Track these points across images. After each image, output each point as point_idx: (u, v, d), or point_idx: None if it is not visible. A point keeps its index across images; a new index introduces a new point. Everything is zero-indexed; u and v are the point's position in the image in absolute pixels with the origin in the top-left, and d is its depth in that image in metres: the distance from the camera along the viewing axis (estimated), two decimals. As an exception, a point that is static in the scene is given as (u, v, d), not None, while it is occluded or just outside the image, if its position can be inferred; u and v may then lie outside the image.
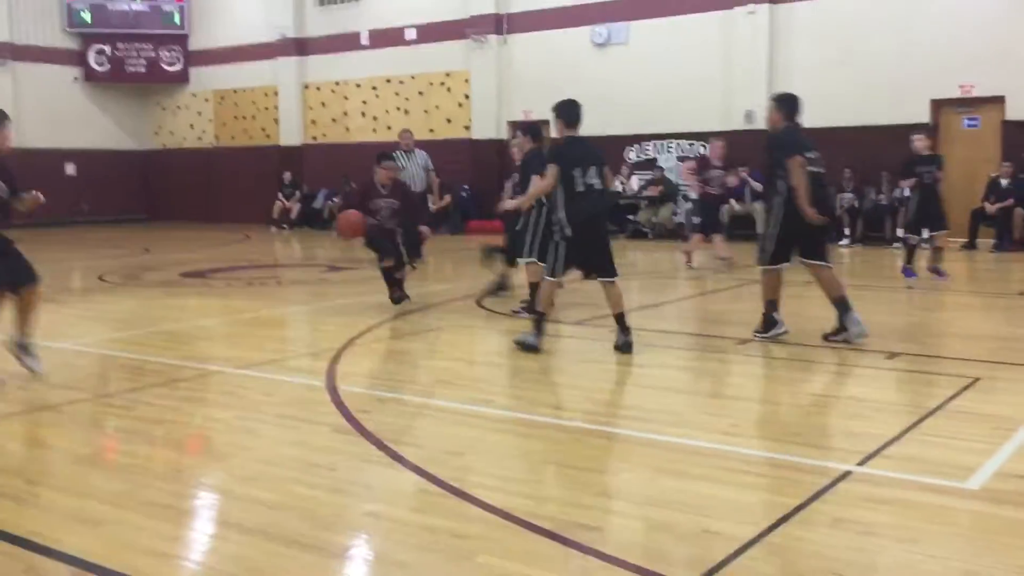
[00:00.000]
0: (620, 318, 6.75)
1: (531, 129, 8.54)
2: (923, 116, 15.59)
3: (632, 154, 18.33)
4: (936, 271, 10.57)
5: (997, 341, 7.16)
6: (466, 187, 19.70)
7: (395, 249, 9.09)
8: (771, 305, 7.12)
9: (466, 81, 20.29)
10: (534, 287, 8.51)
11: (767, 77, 16.87)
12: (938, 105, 15.70)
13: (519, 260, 8.39)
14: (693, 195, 13.05)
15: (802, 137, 7.02)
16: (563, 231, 6.60)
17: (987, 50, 14.82)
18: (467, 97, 20.34)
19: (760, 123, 16.69)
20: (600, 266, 6.74)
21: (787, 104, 7.06)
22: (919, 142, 10.81)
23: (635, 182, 17.94)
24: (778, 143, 6.94)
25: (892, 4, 15.83)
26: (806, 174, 6.79)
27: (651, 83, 17.78)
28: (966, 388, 5.66)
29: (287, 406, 5.51)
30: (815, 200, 6.79)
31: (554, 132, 7.03)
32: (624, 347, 6.70)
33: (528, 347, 6.67)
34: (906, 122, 15.44)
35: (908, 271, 10.74)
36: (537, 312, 6.86)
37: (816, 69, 16.43)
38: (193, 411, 5.45)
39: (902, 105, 15.60)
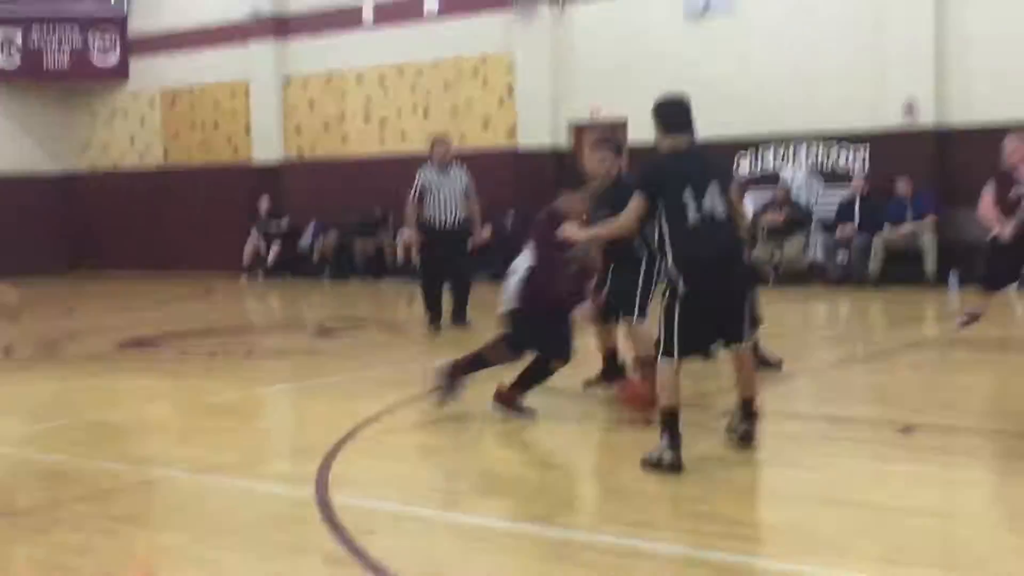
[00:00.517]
0: (749, 402, 6.76)
1: (613, 141, 8.68)
2: None
3: (744, 165, 18.35)
4: None
5: None
6: (511, 215, 19.83)
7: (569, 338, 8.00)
8: None
9: (509, 68, 20.56)
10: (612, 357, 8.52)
11: (934, 54, 16.83)
12: None
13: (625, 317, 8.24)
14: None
15: None
16: (676, 286, 6.48)
17: None
18: (511, 91, 20.59)
19: (927, 117, 16.72)
20: (732, 330, 6.69)
21: None
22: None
23: (749, 203, 17.90)
24: None
25: None
26: None
27: (769, 68, 17.84)
28: None
29: (262, 527, 5.54)
30: None
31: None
32: (745, 437, 6.72)
33: (663, 465, 6.29)
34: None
35: None
36: (662, 414, 6.48)
37: (1005, 41, 16.35)
38: (132, 534, 5.49)
39: None
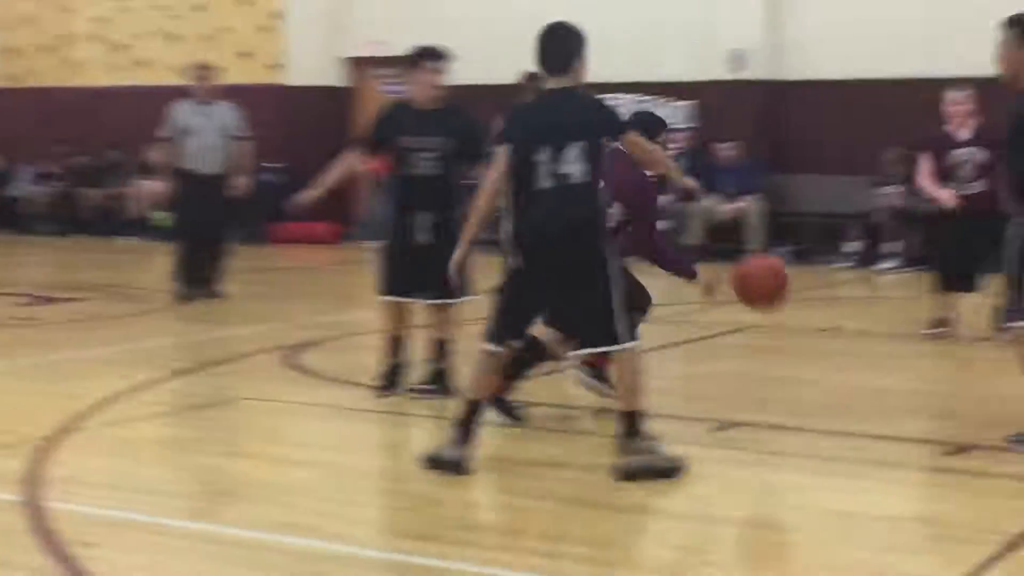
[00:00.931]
0: (630, 420, 6.30)
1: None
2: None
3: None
4: None
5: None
6: (275, 167, 19.60)
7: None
8: None
9: (276, -11, 20.32)
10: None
11: (764, 3, 17.42)
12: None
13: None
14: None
15: None
16: (512, 257, 6.41)
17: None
18: (278, 16, 20.33)
19: (755, 71, 17.28)
20: (581, 326, 6.48)
21: None
22: None
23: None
24: None
25: None
26: None
27: (589, 11, 18.04)
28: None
29: (-46, 538, 5.36)
30: None
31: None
32: (630, 474, 6.19)
33: (443, 464, 6.28)
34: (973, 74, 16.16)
35: None
36: (468, 403, 6.42)
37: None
38: None
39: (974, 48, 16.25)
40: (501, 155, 6.37)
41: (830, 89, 17.02)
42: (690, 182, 6.78)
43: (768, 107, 17.47)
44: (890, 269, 16.12)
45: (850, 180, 16.61)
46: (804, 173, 17.21)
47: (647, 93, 17.93)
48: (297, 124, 19.83)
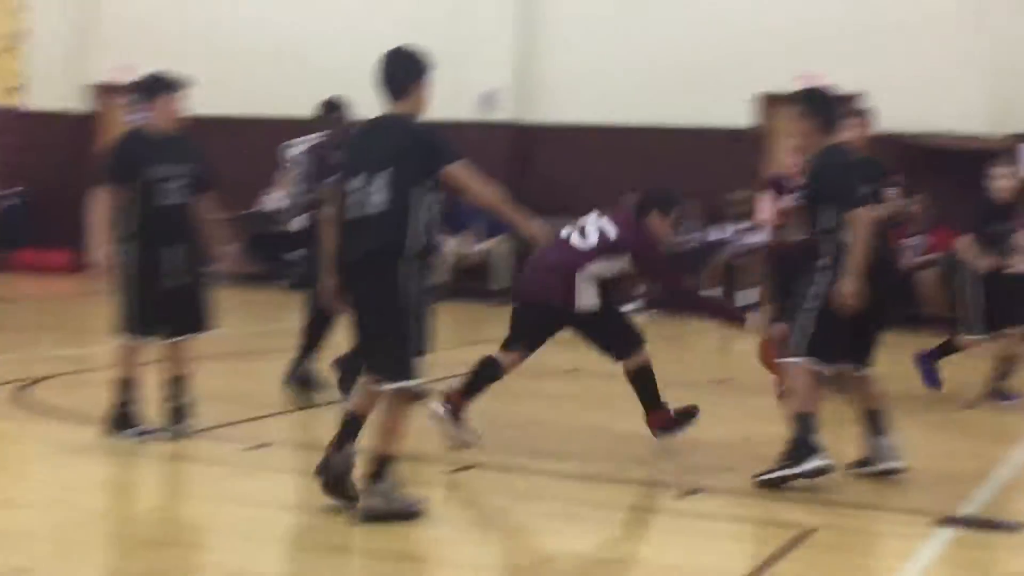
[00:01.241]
0: (380, 463, 6.20)
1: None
2: (747, 117, 16.94)
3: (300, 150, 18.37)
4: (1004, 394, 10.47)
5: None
6: (12, 193, 18.91)
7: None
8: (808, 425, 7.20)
9: (16, 8, 19.63)
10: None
11: (516, 45, 17.66)
12: (769, 104, 17.15)
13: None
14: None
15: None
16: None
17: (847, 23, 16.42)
18: (17, 37, 19.64)
19: (506, 112, 17.48)
20: (371, 356, 6.37)
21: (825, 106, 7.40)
22: (1003, 180, 10.41)
23: (278, 200, 17.29)
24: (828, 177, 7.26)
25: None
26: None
27: (342, 46, 17.98)
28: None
29: None
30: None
31: None
32: (371, 517, 6.11)
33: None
34: (724, 124, 16.71)
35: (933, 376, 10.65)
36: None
37: (594, 41, 17.43)
38: None
39: (714, 97, 16.82)
40: (335, 184, 6.39)
41: (579, 132, 17.32)
42: (530, 227, 6.55)
43: (518, 149, 17.66)
44: (635, 311, 16.41)
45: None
46: (554, 215, 17.34)
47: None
48: (37, 150, 19.14)
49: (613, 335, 8.23)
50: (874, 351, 7.44)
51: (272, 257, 14.61)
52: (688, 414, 8.17)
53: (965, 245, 10.15)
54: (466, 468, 7.38)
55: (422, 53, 6.39)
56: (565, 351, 12.28)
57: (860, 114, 9.65)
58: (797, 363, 7.19)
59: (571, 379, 11.12)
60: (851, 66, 15.83)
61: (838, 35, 16.38)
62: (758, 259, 16.23)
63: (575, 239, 8.13)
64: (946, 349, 10.47)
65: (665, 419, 8.13)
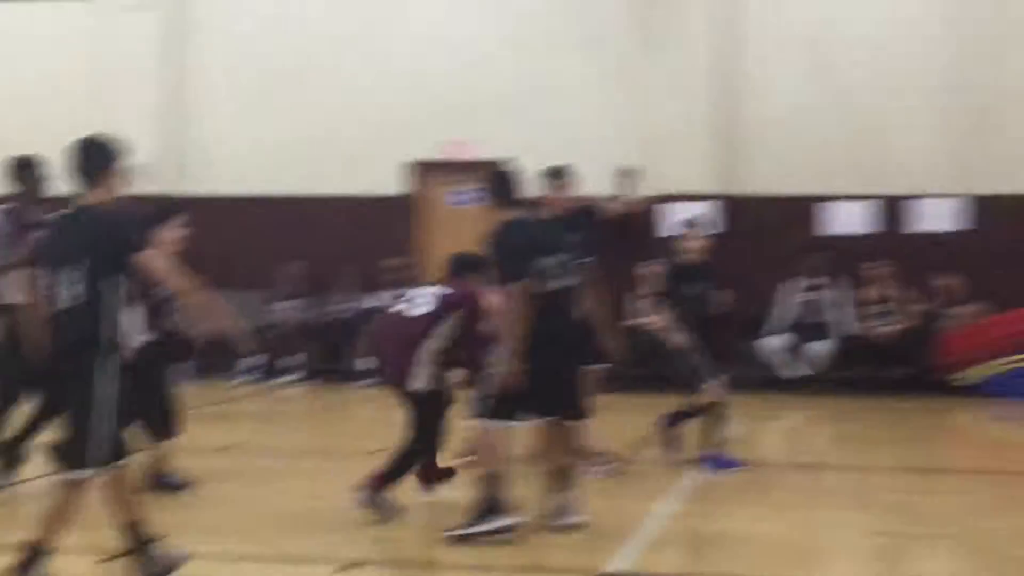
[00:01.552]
0: (31, 553, 6.14)
1: None
2: (400, 185, 17.09)
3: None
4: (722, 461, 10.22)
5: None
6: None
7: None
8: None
9: None
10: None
11: (168, 117, 17.38)
12: (419, 170, 17.37)
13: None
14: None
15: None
16: None
17: (489, 92, 16.75)
18: None
19: (155, 184, 17.06)
20: (61, 443, 6.48)
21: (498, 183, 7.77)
22: (692, 242, 10.40)
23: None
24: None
25: (357, 15, 17.32)
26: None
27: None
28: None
29: None
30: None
31: None
32: None
33: None
34: (378, 193, 16.80)
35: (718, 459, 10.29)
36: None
37: (247, 112, 17.37)
38: None
39: (369, 165, 16.88)
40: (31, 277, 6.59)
41: (228, 204, 17.07)
42: (215, 313, 6.54)
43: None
44: (290, 383, 16.25)
45: (249, 295, 16.65)
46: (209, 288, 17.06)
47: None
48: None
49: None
50: (568, 404, 7.75)
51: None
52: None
53: (659, 321, 10.16)
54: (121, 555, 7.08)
55: (113, 141, 6.42)
56: (224, 426, 12.02)
57: (559, 179, 9.93)
58: (483, 424, 7.47)
59: (230, 455, 10.87)
60: (501, 132, 16.21)
61: (487, 103, 16.70)
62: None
63: (407, 310, 8.19)
64: (685, 414, 10.28)
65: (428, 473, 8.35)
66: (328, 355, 16.55)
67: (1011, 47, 15.68)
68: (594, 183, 14.57)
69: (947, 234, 15.64)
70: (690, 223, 10.69)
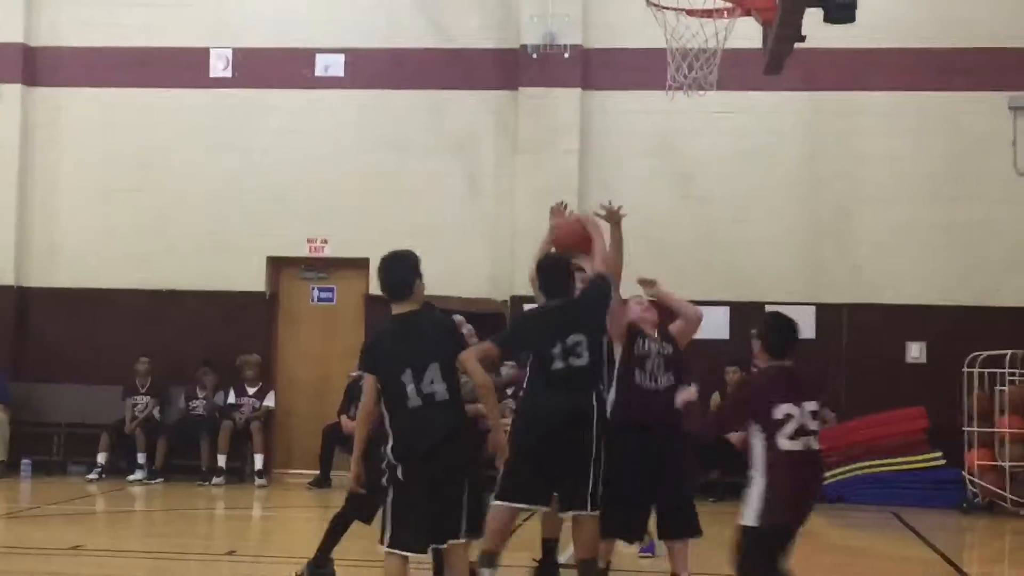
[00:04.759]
0: None
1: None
2: (258, 281, 16.89)
3: None
4: None
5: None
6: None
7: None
8: None
9: None
10: None
11: (15, 208, 16.96)
12: (279, 266, 17.20)
13: None
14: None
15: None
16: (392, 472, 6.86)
17: (343, 193, 16.72)
18: None
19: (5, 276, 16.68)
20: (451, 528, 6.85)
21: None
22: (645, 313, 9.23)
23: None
24: None
25: (219, 105, 17.16)
26: None
27: None
28: None
29: None
30: None
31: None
32: None
33: None
34: (235, 288, 16.58)
35: None
36: None
37: (95, 198, 17.05)
38: None
39: (227, 261, 16.68)
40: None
41: (76, 296, 16.75)
42: None
43: (10, 313, 16.85)
44: (141, 480, 15.84)
45: (104, 390, 16.32)
46: (51, 382, 16.68)
47: None
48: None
49: None
50: (575, 498, 7.69)
51: None
52: None
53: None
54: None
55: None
56: (74, 524, 11.64)
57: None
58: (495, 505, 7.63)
59: (76, 555, 10.47)
60: (364, 231, 16.23)
61: (351, 201, 16.71)
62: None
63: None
64: None
65: None
66: (182, 452, 16.18)
67: (859, 161, 16.14)
68: (457, 286, 14.65)
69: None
70: None
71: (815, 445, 6.66)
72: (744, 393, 6.88)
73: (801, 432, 6.55)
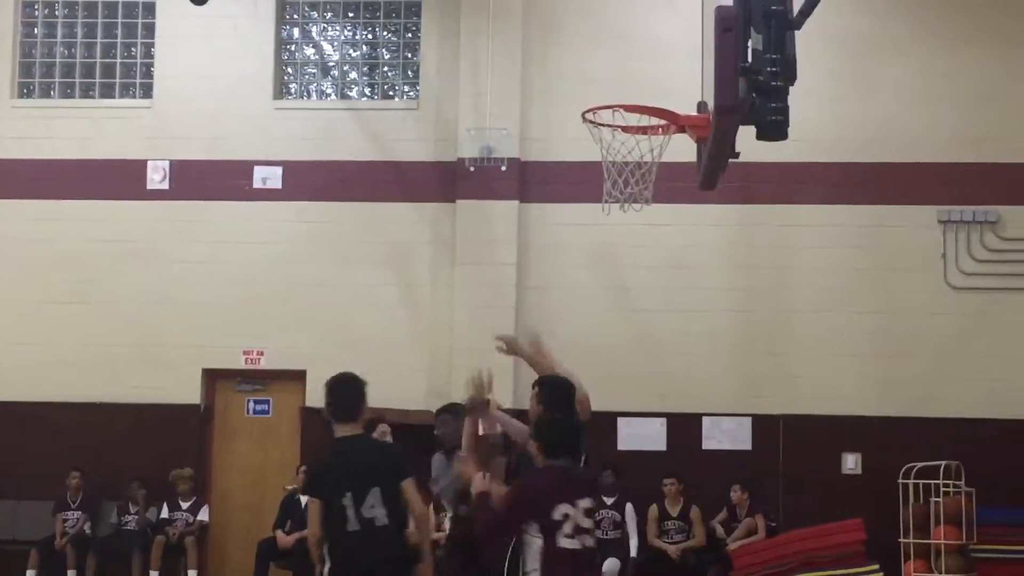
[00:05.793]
0: None
1: None
2: (193, 393, 16.71)
3: None
4: None
5: None
6: None
7: None
8: None
9: None
10: None
11: None
12: (214, 379, 17.02)
13: None
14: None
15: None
16: None
17: (284, 303, 16.64)
18: None
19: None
20: None
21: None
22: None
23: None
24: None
25: (155, 217, 17.04)
26: None
27: None
28: None
29: None
30: None
31: None
32: None
33: None
34: (170, 401, 16.38)
35: None
36: None
37: (25, 310, 16.86)
38: None
39: (162, 374, 16.49)
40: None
41: (6, 410, 16.51)
42: None
43: None
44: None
45: (32, 505, 16.01)
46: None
47: None
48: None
49: None
50: None
51: None
52: None
53: None
54: None
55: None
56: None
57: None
58: None
59: None
60: (301, 343, 16.16)
61: (288, 313, 16.61)
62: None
63: None
64: None
65: None
66: (114, 569, 15.83)
67: (792, 272, 16.27)
68: (395, 398, 14.53)
69: (733, 452, 15.98)
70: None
71: (590, 543, 6.83)
72: (525, 494, 6.85)
73: (578, 531, 6.69)
